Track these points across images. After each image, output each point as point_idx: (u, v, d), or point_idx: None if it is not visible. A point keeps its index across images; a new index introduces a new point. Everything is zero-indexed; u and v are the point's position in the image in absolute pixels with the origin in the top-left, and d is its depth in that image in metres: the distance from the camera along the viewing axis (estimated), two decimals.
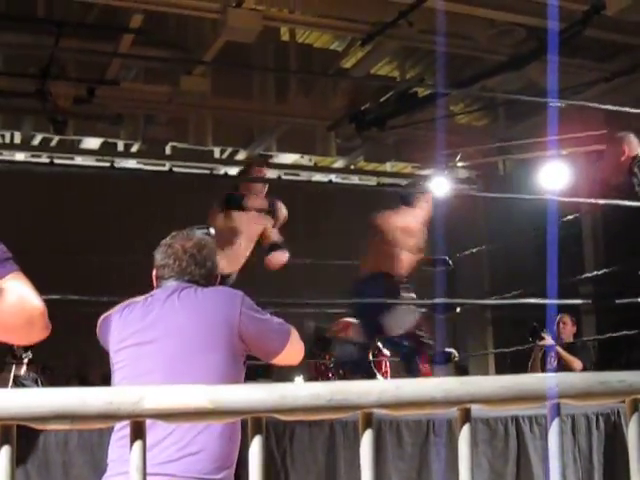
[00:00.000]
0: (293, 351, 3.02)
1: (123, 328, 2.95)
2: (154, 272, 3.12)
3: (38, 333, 2.21)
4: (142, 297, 3.05)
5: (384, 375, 8.14)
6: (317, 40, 11.35)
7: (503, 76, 9.71)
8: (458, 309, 6.52)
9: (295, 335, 3.02)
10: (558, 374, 1.57)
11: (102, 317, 3.10)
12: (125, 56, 9.21)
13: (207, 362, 2.80)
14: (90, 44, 9.35)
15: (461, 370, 7.68)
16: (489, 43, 9.51)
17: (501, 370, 12.76)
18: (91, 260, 9.69)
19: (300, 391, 1.28)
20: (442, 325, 6.67)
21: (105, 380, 12.17)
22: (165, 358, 2.80)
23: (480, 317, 11.44)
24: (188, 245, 3.07)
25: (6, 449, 1.20)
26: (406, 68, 11.48)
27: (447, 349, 6.66)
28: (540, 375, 1.56)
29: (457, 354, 6.81)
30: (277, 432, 4.26)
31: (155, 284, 3.10)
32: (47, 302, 2.21)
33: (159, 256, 3.10)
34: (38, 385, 7.45)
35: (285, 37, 11.13)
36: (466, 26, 9.15)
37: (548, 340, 8.02)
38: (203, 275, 3.05)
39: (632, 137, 5.76)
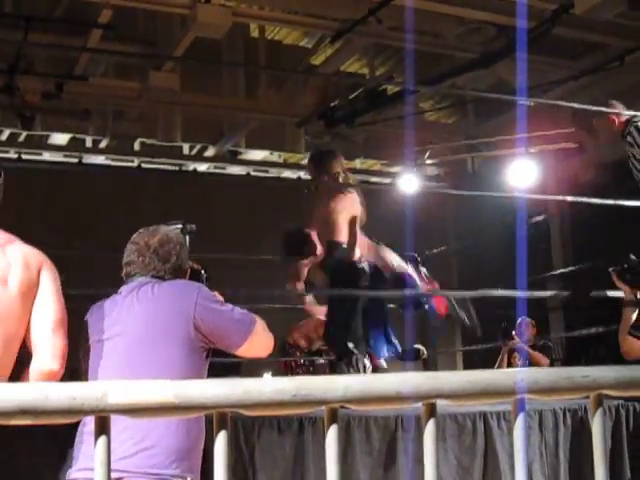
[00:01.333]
0: (258, 342, 2.98)
1: (92, 326, 3.03)
2: (123, 270, 3.15)
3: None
4: (115, 294, 3.12)
5: None
6: (287, 37, 11.34)
7: (473, 74, 9.75)
8: (426, 306, 6.52)
9: (261, 325, 2.99)
10: (523, 369, 1.58)
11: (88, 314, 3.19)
12: (94, 51, 9.15)
13: (164, 356, 2.81)
14: (58, 39, 9.28)
15: (429, 367, 7.70)
16: (459, 41, 9.54)
17: (469, 367, 12.84)
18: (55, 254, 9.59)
19: (265, 386, 1.28)
20: (411, 322, 6.69)
21: None
22: (122, 353, 2.83)
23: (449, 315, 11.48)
24: (152, 241, 3.09)
25: None
26: (375, 65, 11.49)
27: (415, 346, 6.67)
28: (506, 370, 1.57)
29: (425, 351, 6.83)
30: (245, 427, 4.25)
31: (125, 278, 3.14)
32: None
33: (125, 254, 3.14)
34: None
35: (255, 33, 11.11)
36: (435, 24, 9.17)
37: (517, 340, 8.11)
38: (168, 270, 3.06)
39: (615, 102, 5.75)
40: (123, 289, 3.07)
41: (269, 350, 3.08)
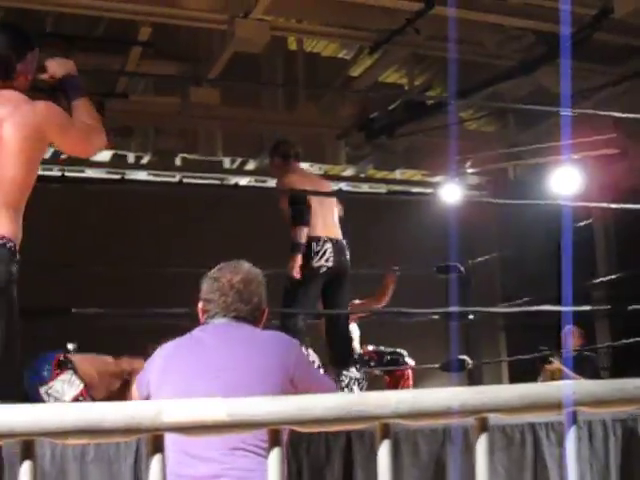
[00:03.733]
0: None
1: (167, 365, 2.89)
2: (200, 304, 3.06)
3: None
4: (186, 335, 3.00)
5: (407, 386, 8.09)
6: (325, 49, 11.37)
7: (513, 81, 9.70)
8: (471, 316, 6.50)
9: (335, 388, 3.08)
10: (574, 382, 1.57)
11: (138, 376, 3.08)
12: (131, 74, 9.24)
13: None
14: (99, 57, 9.39)
15: (474, 378, 7.66)
16: (498, 48, 9.50)
17: (515, 378, 12.74)
18: (100, 272, 9.68)
19: (317, 403, 1.28)
20: (456, 332, 6.67)
21: None
22: (219, 395, 2.75)
23: (493, 324, 11.42)
24: (235, 279, 3.00)
25: (27, 464, 1.20)
26: (414, 75, 11.47)
27: (460, 356, 6.65)
28: (557, 383, 1.56)
29: (470, 361, 6.80)
30: (293, 443, 4.25)
31: (201, 317, 3.05)
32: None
33: (205, 289, 3.04)
34: None
35: (293, 46, 11.15)
36: (474, 32, 9.15)
37: (556, 364, 7.90)
38: (249, 311, 2.99)
39: None
40: (207, 329, 2.98)
41: None
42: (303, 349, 2.99)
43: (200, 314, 3.05)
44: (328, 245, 6.27)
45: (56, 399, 4.21)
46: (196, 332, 2.96)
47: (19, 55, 3.60)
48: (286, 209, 6.49)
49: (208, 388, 2.70)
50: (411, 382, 8.19)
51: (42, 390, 4.26)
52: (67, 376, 4.32)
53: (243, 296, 2.96)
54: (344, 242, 6.45)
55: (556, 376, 7.80)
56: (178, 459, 2.65)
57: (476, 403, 1.37)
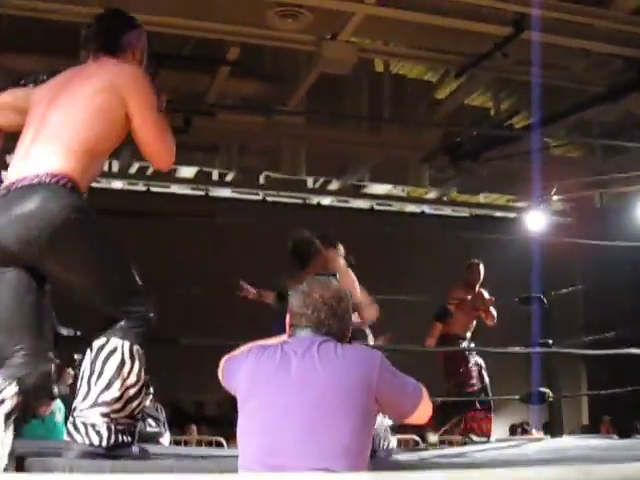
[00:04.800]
0: (424, 410, 2.98)
1: (255, 373, 2.88)
2: (287, 318, 3.04)
3: None
4: (274, 342, 3.01)
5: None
6: (411, 71, 11.35)
7: (599, 107, 9.56)
8: (552, 348, 6.40)
9: (426, 394, 2.97)
10: None
11: (227, 357, 3.09)
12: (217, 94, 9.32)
13: (344, 423, 2.75)
14: (187, 75, 9.52)
15: (554, 411, 7.48)
16: (585, 74, 9.37)
17: (595, 413, 12.48)
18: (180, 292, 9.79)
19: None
20: (538, 365, 6.57)
21: (198, 407, 12.18)
22: (303, 413, 2.75)
23: (574, 356, 11.22)
24: (327, 295, 2.99)
25: None
26: (500, 99, 11.39)
27: (541, 389, 6.55)
28: None
29: (551, 394, 6.69)
30: None
31: (288, 331, 3.03)
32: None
33: (296, 303, 3.02)
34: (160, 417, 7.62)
35: (379, 68, 11.16)
36: (561, 57, 9.04)
37: None
38: (340, 329, 2.98)
39: None
40: (293, 341, 2.95)
41: (429, 415, 3.04)
42: (386, 360, 2.93)
43: (288, 328, 3.03)
44: None
45: None
46: (283, 344, 2.93)
47: (122, 29, 3.73)
48: None
49: (290, 406, 2.75)
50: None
51: None
52: None
53: (337, 312, 2.97)
54: None
55: None
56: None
57: None
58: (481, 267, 8.21)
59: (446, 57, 9.37)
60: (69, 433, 3.33)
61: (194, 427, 10.23)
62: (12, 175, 3.31)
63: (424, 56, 9.54)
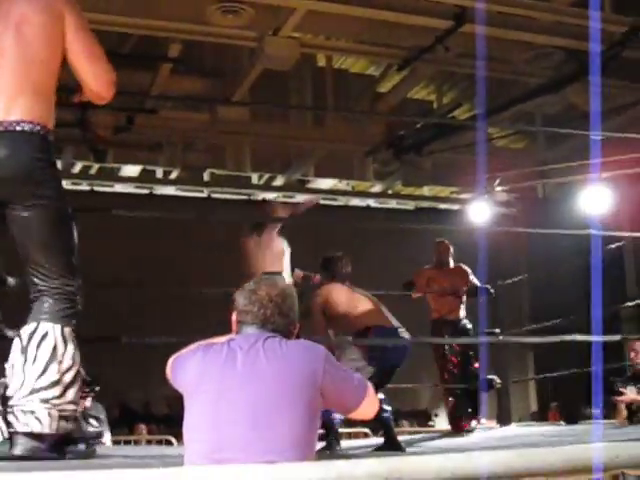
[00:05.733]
0: (369, 406, 3.00)
1: (202, 370, 2.89)
2: (234, 316, 3.04)
3: None
4: (221, 340, 3.00)
5: None
6: (353, 65, 11.38)
7: (542, 99, 9.65)
8: (500, 337, 6.46)
9: (371, 390, 2.99)
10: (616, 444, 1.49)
11: (174, 356, 3.06)
12: (159, 97, 9.26)
13: (289, 417, 2.76)
14: (129, 73, 9.44)
15: (502, 397, 7.55)
16: (527, 66, 9.46)
17: (542, 397, 12.65)
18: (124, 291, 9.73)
19: (357, 469, 1.26)
20: (485, 352, 6.63)
21: (146, 406, 12.04)
22: (248, 408, 2.76)
23: (521, 346, 11.36)
24: (274, 293, 3.02)
25: None
26: (443, 92, 11.47)
27: (489, 376, 6.61)
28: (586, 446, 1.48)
29: (499, 381, 6.74)
30: None
31: (235, 329, 3.04)
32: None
33: (242, 301, 3.03)
34: (100, 416, 7.53)
35: (322, 63, 11.17)
36: (503, 50, 9.12)
37: (630, 394, 7.33)
38: (285, 325, 3.00)
39: None
40: (239, 338, 2.96)
41: (375, 412, 3.08)
42: (331, 355, 2.94)
43: (234, 325, 3.04)
44: None
45: None
46: (229, 341, 2.93)
47: None
48: None
49: (236, 400, 2.76)
50: None
51: None
52: None
53: (282, 310, 2.98)
54: None
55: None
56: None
57: (519, 467, 1.33)
58: (447, 244, 7.96)
59: (388, 51, 9.41)
60: (8, 425, 3.22)
61: (143, 426, 10.15)
62: None
63: (366, 50, 9.58)
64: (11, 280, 3.81)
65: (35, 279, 3.29)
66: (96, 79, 3.46)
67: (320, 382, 2.82)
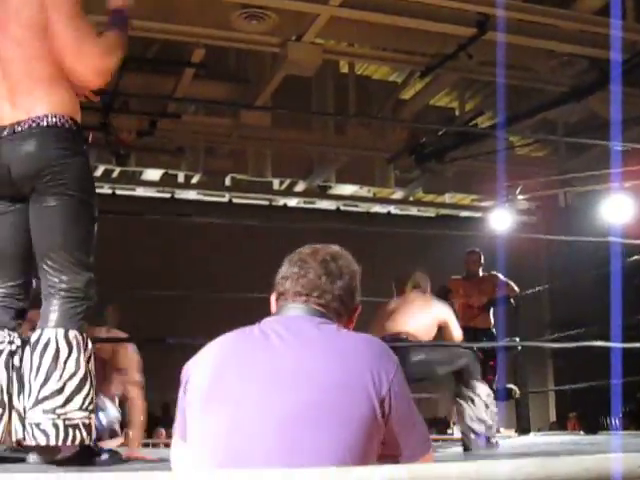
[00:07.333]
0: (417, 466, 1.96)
1: (221, 367, 2.04)
2: (273, 295, 2.21)
3: None
4: (250, 328, 2.11)
5: None
6: (376, 72, 11.38)
7: (564, 107, 9.62)
8: (519, 347, 6.45)
9: (433, 449, 2.15)
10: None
11: (187, 363, 2.12)
12: (181, 100, 9.28)
13: (337, 438, 1.88)
14: (152, 78, 9.49)
15: (521, 407, 7.54)
16: (550, 74, 9.44)
17: (561, 408, 12.57)
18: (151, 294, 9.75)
19: (374, 474, 1.22)
20: (503, 363, 6.61)
21: (165, 409, 11.97)
22: (282, 423, 1.91)
23: (540, 353, 11.29)
24: (322, 252, 2.22)
25: None
26: (465, 99, 11.46)
27: (508, 385, 6.60)
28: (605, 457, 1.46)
29: (518, 391, 6.73)
30: None
31: (274, 307, 2.21)
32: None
33: (283, 268, 2.21)
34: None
35: (344, 69, 11.18)
36: (526, 57, 9.10)
37: None
38: (337, 292, 2.15)
39: None
40: (276, 323, 2.10)
41: None
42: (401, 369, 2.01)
43: (273, 304, 2.21)
44: None
45: None
46: (263, 325, 2.10)
47: None
48: None
49: (265, 402, 1.94)
50: None
51: None
52: None
53: (331, 270, 2.16)
54: None
55: None
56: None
57: (542, 475, 1.30)
58: (476, 255, 7.89)
59: (411, 58, 9.41)
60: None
61: (163, 430, 10.12)
62: None
63: (389, 57, 9.58)
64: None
65: (47, 275, 3.12)
66: (80, 61, 3.17)
67: (382, 400, 1.95)
